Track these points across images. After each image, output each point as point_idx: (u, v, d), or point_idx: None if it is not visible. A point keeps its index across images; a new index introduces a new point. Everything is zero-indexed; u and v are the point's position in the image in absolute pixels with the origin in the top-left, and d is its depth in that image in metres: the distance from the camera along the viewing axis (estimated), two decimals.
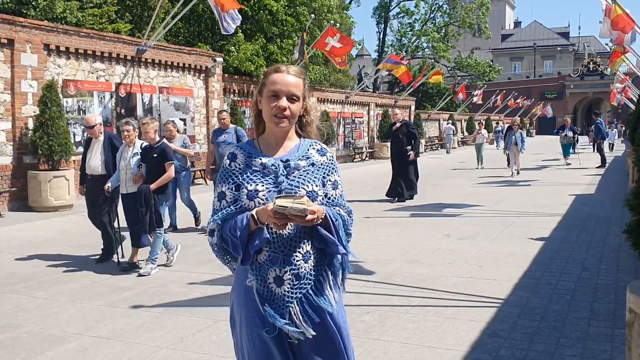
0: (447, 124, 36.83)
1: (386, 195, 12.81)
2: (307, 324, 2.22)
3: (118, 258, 7.05)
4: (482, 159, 21.79)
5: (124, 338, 4.61)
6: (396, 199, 12.50)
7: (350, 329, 2.51)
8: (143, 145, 6.91)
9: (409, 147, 12.58)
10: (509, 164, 18.88)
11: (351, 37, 41.31)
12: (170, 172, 6.78)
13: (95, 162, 7.29)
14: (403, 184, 12.59)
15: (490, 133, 39.01)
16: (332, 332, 2.29)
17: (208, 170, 9.89)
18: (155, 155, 6.74)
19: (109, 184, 6.93)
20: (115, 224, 7.28)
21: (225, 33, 14.03)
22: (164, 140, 8.84)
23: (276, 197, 2.09)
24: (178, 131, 9.74)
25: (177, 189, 9.33)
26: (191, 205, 9.56)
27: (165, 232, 6.88)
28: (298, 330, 2.21)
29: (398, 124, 12.76)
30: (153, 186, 6.59)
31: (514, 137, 17.96)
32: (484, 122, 40.52)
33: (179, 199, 9.56)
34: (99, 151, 7.32)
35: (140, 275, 6.54)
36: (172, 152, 7.27)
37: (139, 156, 6.84)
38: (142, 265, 6.76)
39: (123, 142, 7.05)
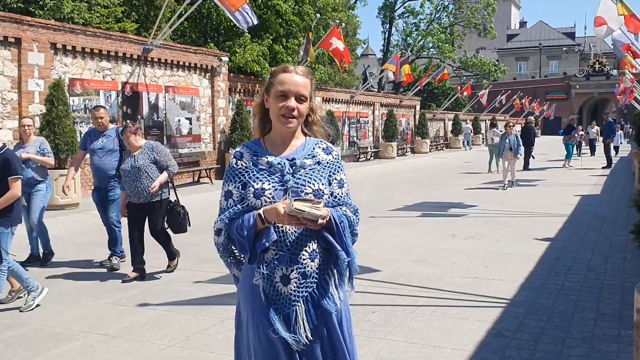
0: (466, 124, 40.22)
1: None
2: (310, 324, 2.24)
3: None
4: (492, 164, 19.41)
5: (130, 336, 4.62)
6: None
7: (355, 329, 2.51)
8: None
9: None
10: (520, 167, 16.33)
11: (357, 37, 41.49)
12: (15, 189, 5.19)
13: None
14: None
15: (479, 134, 39.39)
16: (336, 332, 2.30)
17: (67, 183, 7.21)
18: None
19: None
20: None
21: (242, 28, 14.28)
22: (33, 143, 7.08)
23: (294, 199, 2.11)
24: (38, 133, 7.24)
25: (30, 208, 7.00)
26: (41, 232, 7.14)
27: (10, 268, 5.29)
28: (297, 338, 2.22)
29: None
30: None
31: (508, 140, 15.07)
32: (488, 122, 40.70)
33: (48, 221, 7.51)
34: None
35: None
36: (21, 162, 5.80)
37: None
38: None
39: None
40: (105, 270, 6.80)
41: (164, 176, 6.28)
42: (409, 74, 26.86)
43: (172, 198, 6.58)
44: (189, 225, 6.60)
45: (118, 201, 6.84)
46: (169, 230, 6.57)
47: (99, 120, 7.12)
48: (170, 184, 6.53)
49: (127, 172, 6.21)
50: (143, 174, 6.16)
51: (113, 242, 6.98)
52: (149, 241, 6.43)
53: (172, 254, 6.65)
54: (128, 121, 12.81)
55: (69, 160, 11.88)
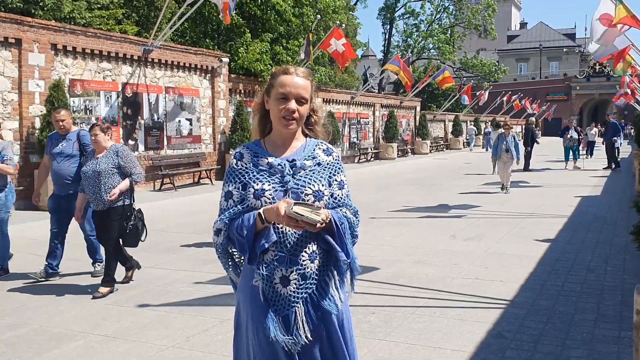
0: (470, 124, 41.12)
1: None
2: (310, 325, 2.24)
3: None
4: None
5: (130, 337, 4.63)
6: None
7: (355, 330, 2.51)
8: None
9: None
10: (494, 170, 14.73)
11: (357, 38, 41.52)
12: None
13: None
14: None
15: (480, 135, 39.38)
16: (336, 333, 2.30)
17: (37, 192, 6.95)
18: None
19: None
20: None
21: (223, 19, 14.16)
22: None
23: (295, 204, 2.10)
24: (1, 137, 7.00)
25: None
26: (3, 244, 6.66)
27: None
28: (294, 340, 2.22)
29: None
30: None
31: (505, 142, 14.04)
32: (489, 123, 40.71)
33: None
34: None
35: None
36: None
37: None
38: None
39: None
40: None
41: (125, 183, 5.80)
42: (410, 77, 26.87)
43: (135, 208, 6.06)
44: (142, 240, 6.06)
45: (85, 213, 6.38)
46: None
47: (60, 123, 6.51)
48: (132, 193, 5.99)
49: (88, 176, 5.76)
50: (103, 179, 5.70)
51: (92, 251, 6.67)
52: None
53: (109, 280, 5.90)
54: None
55: None
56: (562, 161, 22.09)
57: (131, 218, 5.89)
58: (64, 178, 6.39)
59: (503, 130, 14.55)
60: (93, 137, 5.82)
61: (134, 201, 6.04)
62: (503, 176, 14.38)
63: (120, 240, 5.95)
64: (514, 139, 14.22)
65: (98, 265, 6.61)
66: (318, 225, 2.11)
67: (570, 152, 21.40)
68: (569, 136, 21.11)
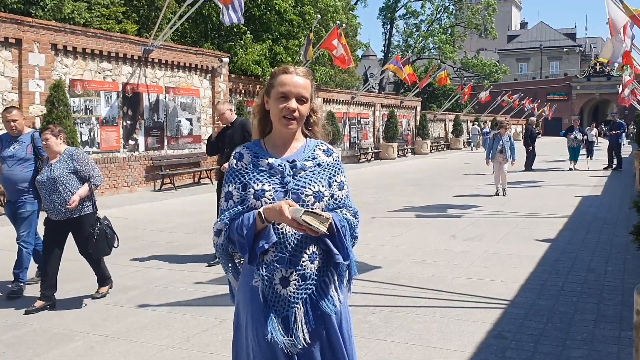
0: (473, 124, 41.46)
1: None
2: (309, 326, 2.23)
3: None
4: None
5: (130, 337, 4.63)
6: None
7: (355, 330, 2.51)
8: None
9: None
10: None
11: (357, 38, 41.54)
12: None
13: None
14: None
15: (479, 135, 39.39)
16: (335, 334, 2.29)
17: None
18: None
19: None
20: None
21: (225, 24, 14.07)
22: None
23: (305, 211, 2.09)
24: None
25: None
26: None
27: None
28: (293, 341, 2.21)
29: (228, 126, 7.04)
30: None
31: (500, 142, 13.44)
32: (489, 123, 40.70)
33: None
34: None
35: None
36: None
37: None
38: None
39: None
40: None
41: (84, 189, 5.40)
42: (412, 74, 26.94)
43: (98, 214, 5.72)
44: (115, 246, 5.71)
45: (30, 218, 5.99)
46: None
47: (12, 123, 6.03)
48: (93, 198, 5.60)
49: (43, 184, 5.36)
50: (60, 185, 5.30)
51: (18, 264, 5.95)
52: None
53: (103, 279, 5.79)
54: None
55: None
56: (564, 161, 22.09)
57: (96, 224, 5.53)
58: (16, 183, 5.95)
59: (499, 130, 14.06)
60: (44, 142, 5.43)
61: (96, 208, 5.66)
62: (498, 178, 13.69)
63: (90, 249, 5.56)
64: (510, 139, 13.60)
65: (16, 285, 5.91)
66: (320, 232, 2.11)
67: (577, 152, 21.21)
68: (572, 136, 20.98)
